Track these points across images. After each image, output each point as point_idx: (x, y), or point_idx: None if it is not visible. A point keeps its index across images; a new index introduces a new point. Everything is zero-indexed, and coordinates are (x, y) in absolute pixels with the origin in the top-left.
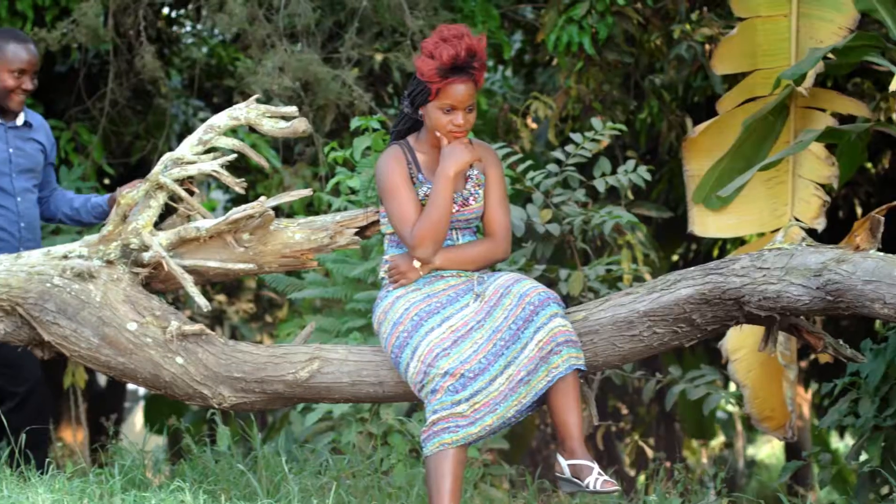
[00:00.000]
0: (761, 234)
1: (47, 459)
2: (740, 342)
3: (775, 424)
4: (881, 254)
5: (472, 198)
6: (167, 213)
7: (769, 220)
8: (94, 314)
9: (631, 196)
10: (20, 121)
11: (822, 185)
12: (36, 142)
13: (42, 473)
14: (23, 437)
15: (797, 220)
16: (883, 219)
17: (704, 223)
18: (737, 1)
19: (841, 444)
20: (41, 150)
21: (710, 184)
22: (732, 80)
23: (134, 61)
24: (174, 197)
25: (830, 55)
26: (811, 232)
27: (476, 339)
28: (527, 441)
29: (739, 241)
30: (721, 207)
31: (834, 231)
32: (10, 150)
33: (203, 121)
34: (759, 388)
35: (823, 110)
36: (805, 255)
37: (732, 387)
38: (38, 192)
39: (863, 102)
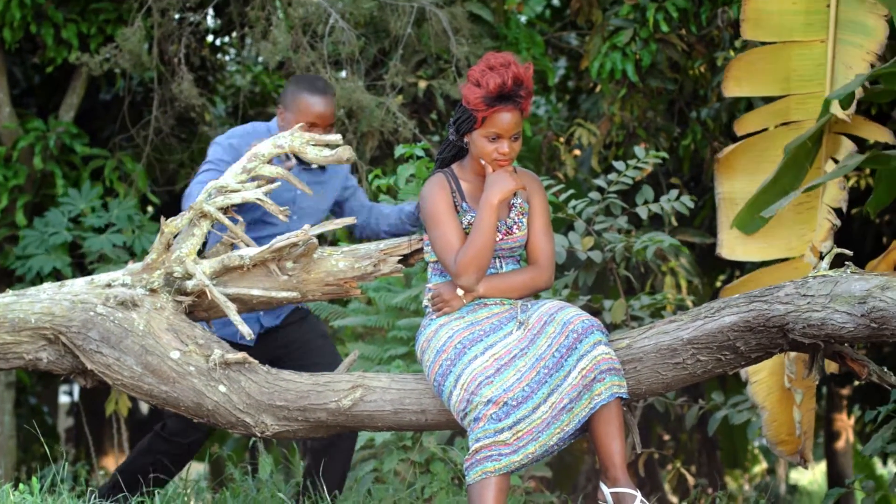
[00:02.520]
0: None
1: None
2: (759, 364)
3: (791, 449)
4: None
5: (515, 226)
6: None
7: (797, 245)
8: (137, 343)
9: (674, 223)
10: (315, 164)
11: (835, 209)
12: (326, 185)
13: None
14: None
15: (813, 245)
16: None
17: (732, 246)
18: (753, 25)
19: (885, 470)
20: (333, 197)
21: (748, 209)
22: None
23: (181, 88)
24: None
25: (868, 83)
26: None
27: (519, 366)
28: (575, 470)
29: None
30: (756, 232)
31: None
32: (297, 193)
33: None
34: (777, 412)
35: (855, 137)
36: (850, 283)
37: None
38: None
39: (888, 129)
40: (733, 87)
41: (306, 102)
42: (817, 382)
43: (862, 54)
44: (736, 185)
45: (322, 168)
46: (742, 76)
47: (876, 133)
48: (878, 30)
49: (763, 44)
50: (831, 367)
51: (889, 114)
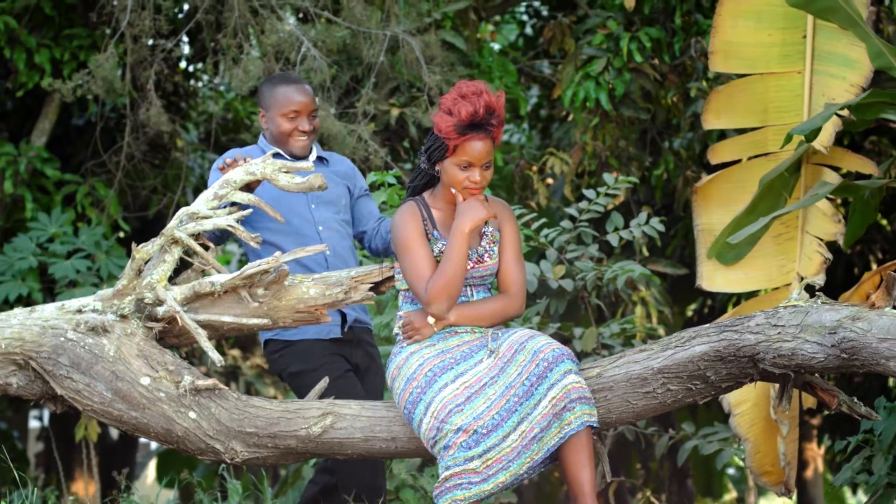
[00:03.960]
0: (768, 290)
1: None
2: (743, 396)
3: (774, 479)
4: None
5: (486, 255)
6: (182, 267)
7: (777, 276)
8: (107, 368)
9: (646, 252)
10: (313, 157)
11: (827, 242)
12: (335, 175)
13: None
14: None
15: (801, 276)
16: None
17: (712, 277)
18: (723, 57)
19: (854, 500)
20: (342, 183)
21: (724, 239)
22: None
23: (150, 115)
24: (189, 251)
25: (843, 112)
26: (825, 289)
27: (489, 395)
28: (555, 498)
29: (750, 297)
30: (734, 262)
31: (850, 288)
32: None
33: None
34: (761, 443)
35: (834, 168)
36: (820, 313)
37: None
38: (363, 227)
39: (872, 161)
40: (712, 120)
41: (284, 93)
42: (787, 411)
43: (845, 86)
44: (714, 217)
45: (323, 160)
46: (721, 108)
47: (857, 164)
48: (861, 63)
49: (739, 76)
50: (808, 401)
51: (861, 143)
